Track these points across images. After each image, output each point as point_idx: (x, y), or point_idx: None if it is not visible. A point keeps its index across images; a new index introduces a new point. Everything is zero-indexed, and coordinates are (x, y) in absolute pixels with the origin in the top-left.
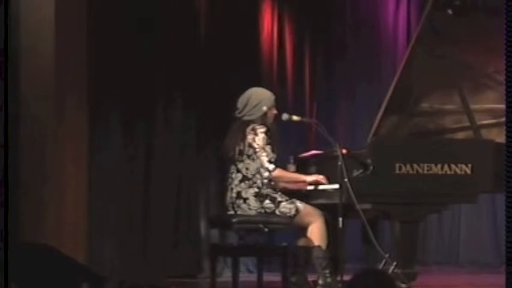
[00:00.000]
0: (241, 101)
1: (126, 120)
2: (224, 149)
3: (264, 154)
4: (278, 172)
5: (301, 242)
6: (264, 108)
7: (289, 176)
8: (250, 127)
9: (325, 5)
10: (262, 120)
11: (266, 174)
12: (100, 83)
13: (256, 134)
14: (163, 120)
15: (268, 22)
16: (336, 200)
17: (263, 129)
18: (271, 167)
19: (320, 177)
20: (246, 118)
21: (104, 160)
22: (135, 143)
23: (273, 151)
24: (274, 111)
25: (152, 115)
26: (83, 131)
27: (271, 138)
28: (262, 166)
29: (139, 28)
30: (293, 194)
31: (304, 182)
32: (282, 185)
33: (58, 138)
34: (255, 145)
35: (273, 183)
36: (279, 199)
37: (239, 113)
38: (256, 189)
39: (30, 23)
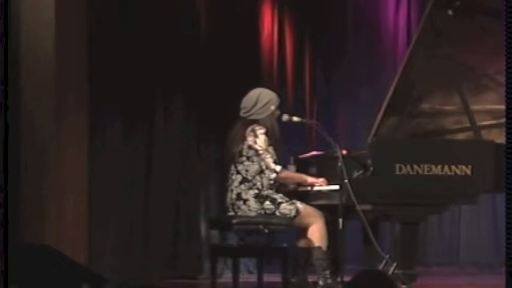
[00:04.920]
0: (249, 100)
1: (127, 121)
2: (225, 148)
3: (269, 156)
4: (284, 173)
5: (301, 243)
6: (273, 107)
7: (293, 176)
8: (250, 128)
9: (326, 5)
10: (269, 119)
11: (273, 175)
12: (100, 83)
13: (256, 136)
14: (164, 120)
15: (268, 22)
16: (336, 201)
17: (262, 131)
18: (278, 168)
19: (320, 180)
20: (253, 117)
21: (104, 160)
22: (136, 143)
23: (275, 151)
24: (278, 112)
25: (152, 115)
26: (83, 131)
27: (271, 139)
28: (268, 168)
29: (139, 29)
30: (293, 194)
31: (305, 181)
32: (291, 186)
33: (58, 138)
34: (257, 147)
35: (277, 184)
36: (279, 200)
37: (246, 112)
38: (256, 191)
39: (30, 24)
